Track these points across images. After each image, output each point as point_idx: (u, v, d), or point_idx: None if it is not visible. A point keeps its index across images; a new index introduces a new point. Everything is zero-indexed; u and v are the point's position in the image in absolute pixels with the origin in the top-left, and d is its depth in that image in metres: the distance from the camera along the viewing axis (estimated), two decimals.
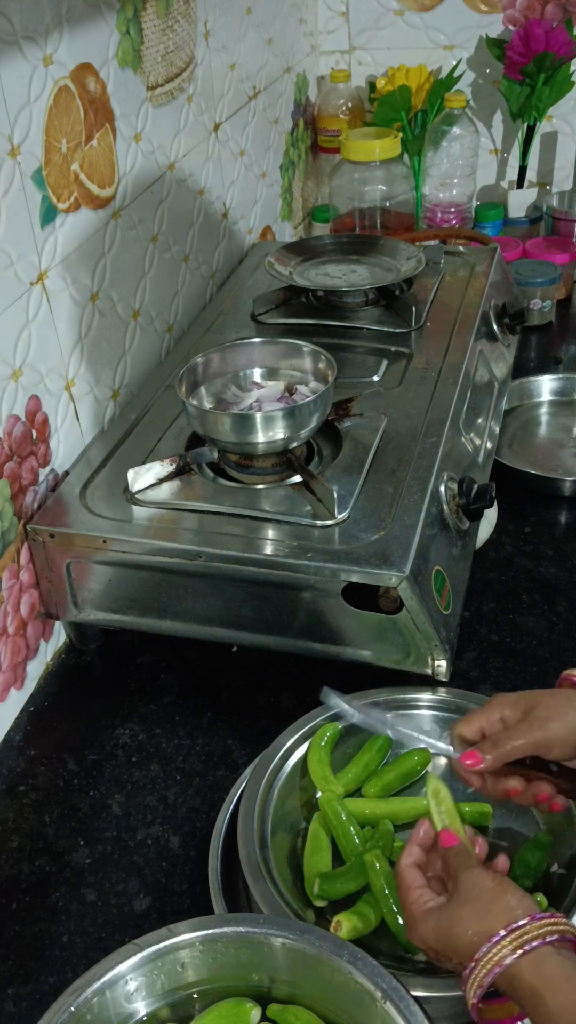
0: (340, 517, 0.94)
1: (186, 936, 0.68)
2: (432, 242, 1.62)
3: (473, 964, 0.62)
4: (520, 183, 1.81)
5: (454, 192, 1.74)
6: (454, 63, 1.77)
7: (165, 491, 1.00)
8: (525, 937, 0.61)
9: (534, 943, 0.61)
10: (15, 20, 0.92)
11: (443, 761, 0.91)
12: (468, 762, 0.73)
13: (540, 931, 0.61)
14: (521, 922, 0.62)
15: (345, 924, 0.75)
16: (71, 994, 0.65)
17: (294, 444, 1.01)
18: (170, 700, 1.03)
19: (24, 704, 1.03)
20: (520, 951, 0.60)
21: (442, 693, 0.92)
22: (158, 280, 1.28)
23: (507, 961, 0.60)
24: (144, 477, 1.00)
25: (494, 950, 0.61)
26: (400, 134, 1.67)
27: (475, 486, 1.02)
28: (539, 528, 1.21)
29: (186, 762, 0.96)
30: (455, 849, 0.69)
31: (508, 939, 0.61)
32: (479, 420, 1.19)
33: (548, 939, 0.61)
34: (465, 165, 1.72)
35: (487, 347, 1.30)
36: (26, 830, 0.91)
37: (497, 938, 0.61)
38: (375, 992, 0.64)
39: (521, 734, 0.72)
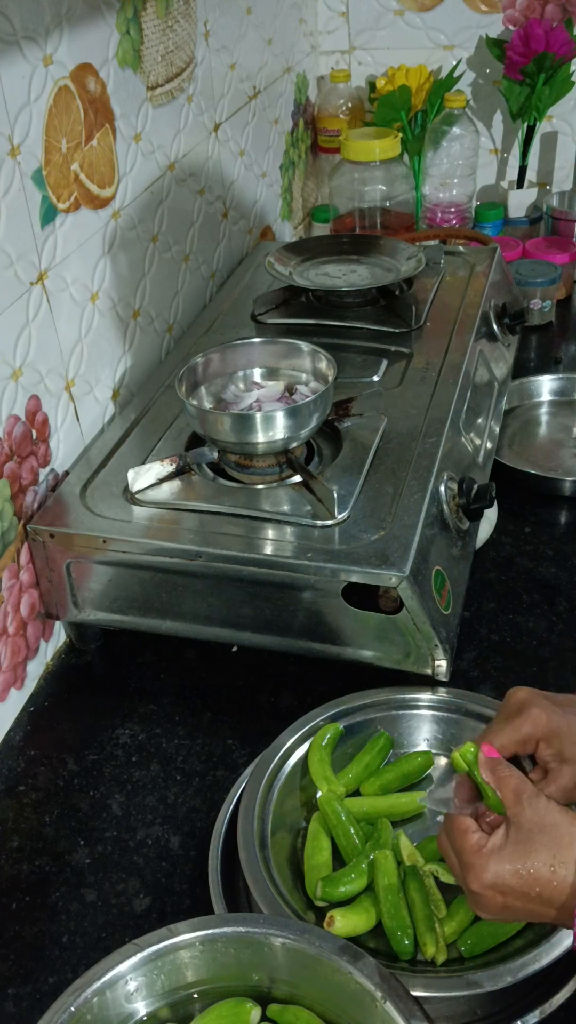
0: (340, 517, 0.94)
1: (186, 936, 0.68)
2: (432, 242, 1.62)
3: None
4: (520, 183, 1.81)
5: (454, 192, 1.74)
6: (454, 63, 1.77)
7: (165, 491, 1.00)
8: None
9: None
10: (15, 20, 0.92)
11: (442, 762, 0.91)
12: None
13: None
14: None
15: (339, 920, 0.75)
16: (71, 994, 0.65)
17: (294, 444, 1.01)
18: (170, 700, 1.03)
19: (24, 704, 1.03)
20: None
21: (442, 693, 0.92)
22: (158, 280, 1.28)
23: None
24: (144, 477, 1.00)
25: None
26: (400, 134, 1.67)
27: (475, 486, 1.02)
28: (539, 528, 1.21)
29: (186, 762, 0.96)
30: (502, 767, 0.66)
31: None
32: (479, 420, 1.19)
33: None
34: (465, 165, 1.72)
35: (487, 347, 1.30)
36: (26, 830, 0.91)
37: None
38: (375, 992, 0.64)
39: (559, 778, 0.71)
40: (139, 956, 0.67)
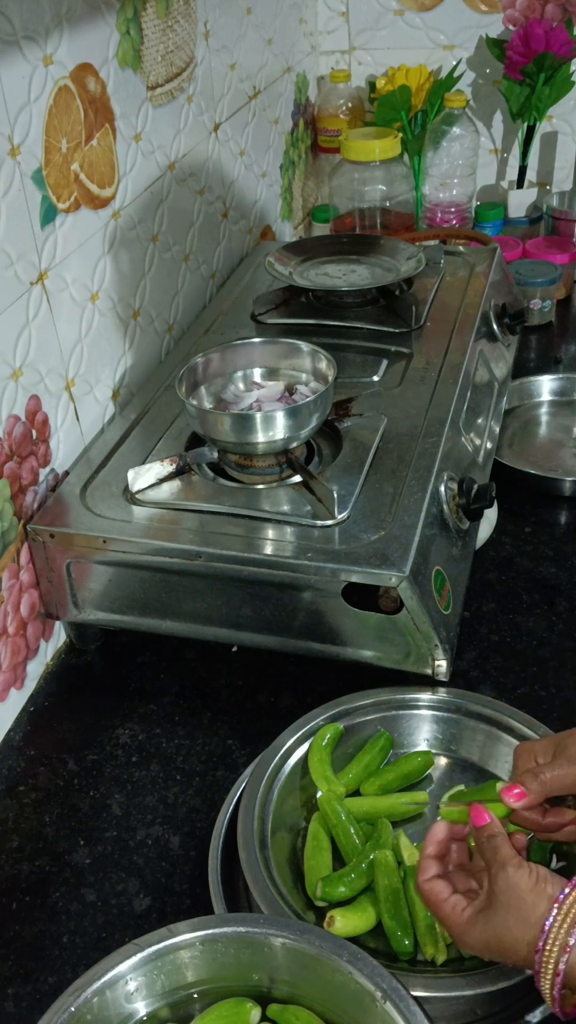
0: (340, 517, 0.94)
1: (186, 936, 0.68)
2: (432, 242, 1.62)
3: (538, 963, 0.62)
4: (520, 183, 1.81)
5: (454, 192, 1.74)
6: (454, 63, 1.77)
7: (165, 491, 1.00)
8: (563, 929, 0.61)
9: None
10: (15, 20, 0.92)
11: (442, 762, 0.91)
12: (514, 794, 0.71)
13: None
14: (553, 913, 0.62)
15: (339, 920, 0.75)
16: (71, 994, 0.65)
17: (294, 444, 1.01)
18: (170, 700, 1.03)
19: (24, 704, 1.03)
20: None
21: (442, 693, 0.92)
22: (158, 280, 1.28)
23: (571, 942, 0.61)
24: (144, 477, 1.00)
25: (549, 945, 0.61)
26: (400, 134, 1.67)
27: (475, 486, 1.02)
28: (539, 528, 1.21)
29: (186, 762, 0.96)
30: (486, 831, 0.68)
31: (552, 939, 0.61)
32: (479, 420, 1.19)
33: None
34: (465, 165, 1.72)
35: (487, 347, 1.30)
36: (26, 830, 0.91)
37: (544, 936, 0.61)
38: (375, 992, 0.64)
39: (559, 766, 0.71)
40: (139, 956, 0.67)
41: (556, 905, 0.62)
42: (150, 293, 1.26)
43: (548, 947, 0.61)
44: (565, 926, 0.61)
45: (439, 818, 0.74)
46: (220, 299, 1.41)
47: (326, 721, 0.90)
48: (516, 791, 0.71)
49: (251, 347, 1.11)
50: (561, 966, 0.61)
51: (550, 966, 0.61)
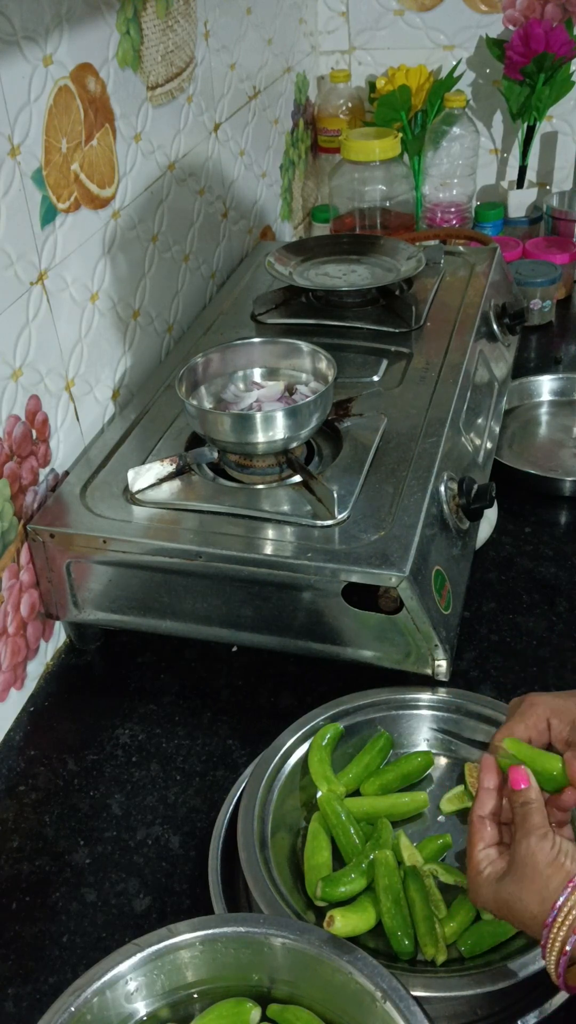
0: (340, 517, 0.94)
1: (186, 936, 0.68)
2: (432, 242, 1.62)
3: (545, 937, 0.62)
4: (520, 183, 1.81)
5: (454, 192, 1.74)
6: (454, 63, 1.77)
7: (165, 491, 1.00)
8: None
9: None
10: (15, 20, 0.92)
11: (442, 761, 0.91)
12: (521, 784, 0.70)
13: None
14: (567, 890, 0.62)
15: (339, 920, 0.75)
16: (71, 994, 0.65)
17: (294, 444, 1.01)
18: (170, 700, 1.03)
19: (24, 704, 1.03)
20: None
21: (442, 693, 0.92)
22: (158, 280, 1.28)
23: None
24: (144, 477, 1.00)
25: (557, 925, 0.62)
26: (400, 134, 1.67)
27: (475, 486, 1.02)
28: (539, 528, 1.21)
29: (186, 762, 0.96)
30: (521, 797, 0.68)
31: (563, 916, 0.62)
32: (479, 420, 1.19)
33: None
34: (465, 165, 1.72)
35: (487, 347, 1.30)
36: (26, 830, 0.91)
37: (554, 913, 0.62)
38: (375, 992, 0.64)
39: None
40: (139, 956, 0.67)
41: (571, 885, 0.62)
42: (150, 293, 1.26)
43: (557, 926, 0.62)
44: (572, 915, 0.61)
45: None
46: (220, 299, 1.41)
47: (326, 721, 0.90)
48: (523, 784, 0.70)
49: (251, 347, 1.11)
50: (568, 947, 0.61)
51: (556, 943, 0.62)
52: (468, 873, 0.69)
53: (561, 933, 0.61)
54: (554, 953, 0.62)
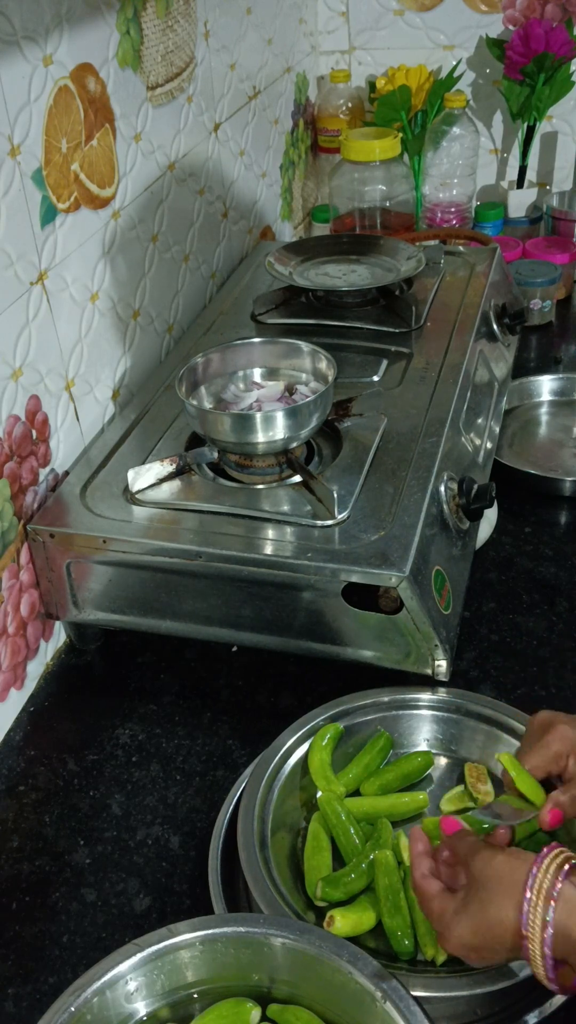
0: (340, 517, 0.94)
1: (186, 936, 0.68)
2: (432, 242, 1.62)
3: (525, 937, 0.62)
4: (520, 183, 1.81)
5: (454, 192, 1.74)
6: (454, 63, 1.77)
7: (165, 491, 1.00)
8: (547, 879, 0.62)
9: (559, 880, 0.61)
10: (15, 20, 0.92)
11: (442, 762, 0.91)
12: (550, 820, 0.71)
13: (557, 861, 0.62)
14: (534, 870, 0.62)
15: (339, 920, 0.75)
16: (71, 994, 0.65)
17: (294, 444, 1.01)
18: (170, 700, 1.03)
19: (24, 704, 1.03)
20: (556, 886, 0.61)
21: (442, 693, 0.92)
22: (158, 280, 1.28)
23: (557, 889, 0.61)
24: (144, 477, 1.00)
25: (532, 908, 0.61)
26: (400, 134, 1.67)
27: (475, 486, 1.02)
28: (539, 528, 1.21)
29: (186, 762, 0.96)
30: (458, 835, 0.70)
31: (536, 889, 0.62)
32: (479, 420, 1.19)
33: (566, 867, 0.62)
34: (465, 165, 1.72)
35: (487, 347, 1.30)
36: (26, 830, 0.91)
37: (528, 896, 0.62)
38: (375, 992, 0.64)
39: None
40: (139, 956, 0.67)
41: (536, 863, 0.63)
42: (150, 293, 1.26)
43: (533, 899, 0.61)
44: (549, 875, 0.62)
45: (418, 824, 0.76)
46: (220, 299, 1.41)
47: (326, 721, 0.90)
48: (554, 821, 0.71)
49: (251, 347, 1.11)
50: (549, 918, 0.60)
51: (537, 921, 0.61)
52: (433, 924, 0.68)
53: (539, 907, 0.61)
54: (535, 933, 0.61)
